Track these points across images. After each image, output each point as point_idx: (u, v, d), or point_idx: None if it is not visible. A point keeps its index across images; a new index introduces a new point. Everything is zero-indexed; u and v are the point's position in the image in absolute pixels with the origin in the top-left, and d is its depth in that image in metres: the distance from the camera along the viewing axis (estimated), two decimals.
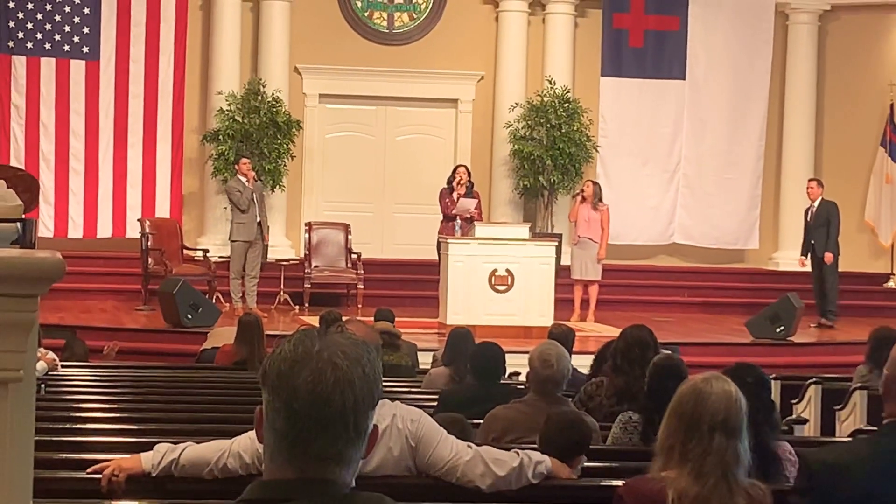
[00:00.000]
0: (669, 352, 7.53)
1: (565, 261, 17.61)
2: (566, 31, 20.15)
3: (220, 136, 18.48)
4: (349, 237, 18.53)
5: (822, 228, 17.27)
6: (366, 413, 2.32)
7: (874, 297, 19.55)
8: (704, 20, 20.19)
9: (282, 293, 17.78)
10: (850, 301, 19.03)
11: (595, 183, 17.90)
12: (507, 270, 15.54)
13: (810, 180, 18.01)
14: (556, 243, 16.75)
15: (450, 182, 17.30)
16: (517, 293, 15.52)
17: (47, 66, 18.45)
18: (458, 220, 16.69)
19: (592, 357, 9.15)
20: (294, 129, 18.82)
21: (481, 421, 6.81)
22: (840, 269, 18.65)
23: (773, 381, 6.83)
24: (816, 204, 17.37)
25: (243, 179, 16.86)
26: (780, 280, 19.03)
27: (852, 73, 20.67)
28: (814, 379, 10.81)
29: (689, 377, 4.39)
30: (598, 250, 17.18)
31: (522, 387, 8.19)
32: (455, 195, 17.14)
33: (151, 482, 4.96)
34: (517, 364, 10.20)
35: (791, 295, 16.12)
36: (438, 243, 16.72)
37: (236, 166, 17.24)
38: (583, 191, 17.68)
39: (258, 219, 16.87)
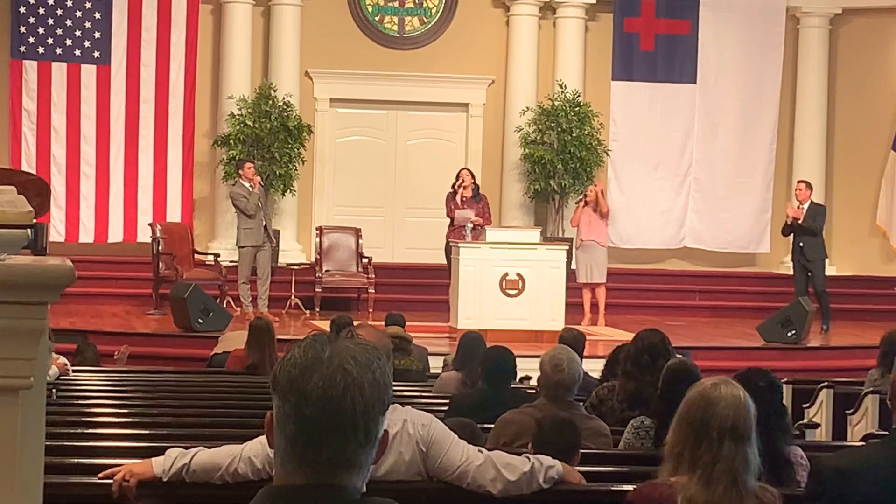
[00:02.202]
0: (680, 356, 7.53)
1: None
2: (577, 35, 20.14)
3: (231, 141, 18.49)
4: (360, 241, 18.53)
5: (810, 232, 17.11)
6: (376, 418, 2.33)
7: (886, 300, 19.48)
8: (715, 24, 20.18)
9: (293, 297, 17.78)
10: (861, 305, 19.04)
11: (596, 187, 18.05)
12: (518, 274, 15.53)
13: (799, 182, 17.82)
14: (567, 247, 16.75)
15: (454, 186, 17.32)
16: (528, 297, 15.51)
17: (58, 70, 18.48)
18: (469, 224, 16.68)
19: (603, 361, 9.15)
20: (305, 134, 18.84)
21: (492, 425, 6.81)
22: (851, 273, 18.65)
23: (784, 386, 6.81)
24: (806, 206, 17.23)
25: (247, 185, 16.81)
26: (792, 284, 18.94)
27: (863, 77, 20.64)
28: (825, 383, 10.80)
29: (698, 382, 4.37)
30: (603, 240, 17.35)
31: (533, 391, 8.19)
32: (459, 199, 17.15)
33: (162, 487, 4.97)
34: (528, 368, 10.20)
35: (803, 299, 16.09)
36: (446, 247, 16.76)
37: (240, 171, 17.15)
38: (585, 195, 17.77)
39: (264, 223, 16.85)
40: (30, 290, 2.58)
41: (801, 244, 17.13)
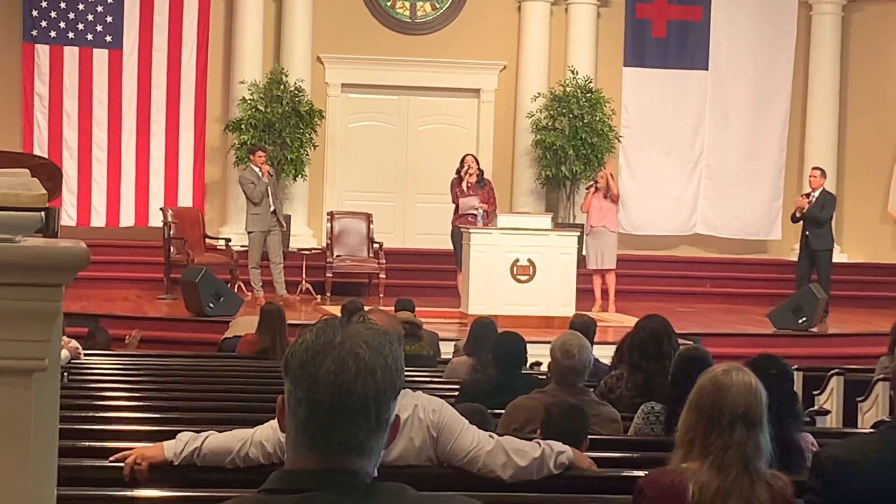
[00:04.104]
0: (692, 342, 7.52)
1: None
2: (589, 21, 20.11)
3: (243, 126, 18.50)
4: (371, 227, 18.53)
5: (815, 221, 17.05)
6: (388, 403, 2.32)
7: None
8: (727, 10, 20.13)
9: (304, 282, 17.79)
10: (872, 292, 19.01)
11: (605, 170, 18.06)
12: (529, 260, 15.51)
13: (814, 168, 17.75)
14: (578, 233, 16.73)
15: (458, 172, 17.29)
16: (539, 283, 15.49)
17: (70, 55, 18.50)
18: (480, 210, 16.67)
19: (613, 347, 9.14)
20: (316, 119, 18.83)
21: (503, 411, 6.82)
22: (862, 260, 18.56)
23: (795, 372, 6.80)
24: (817, 193, 17.18)
25: (257, 170, 16.81)
26: None
27: (876, 64, 20.58)
28: (836, 370, 10.78)
29: (709, 369, 4.37)
30: (613, 226, 17.36)
31: (544, 377, 8.19)
32: (465, 185, 17.13)
33: (174, 471, 4.98)
34: (539, 354, 10.20)
35: (814, 286, 16.07)
36: (452, 233, 16.79)
37: (251, 157, 17.18)
38: (596, 182, 17.75)
39: (272, 208, 16.86)
40: (45, 271, 2.58)
41: (806, 233, 17.11)
